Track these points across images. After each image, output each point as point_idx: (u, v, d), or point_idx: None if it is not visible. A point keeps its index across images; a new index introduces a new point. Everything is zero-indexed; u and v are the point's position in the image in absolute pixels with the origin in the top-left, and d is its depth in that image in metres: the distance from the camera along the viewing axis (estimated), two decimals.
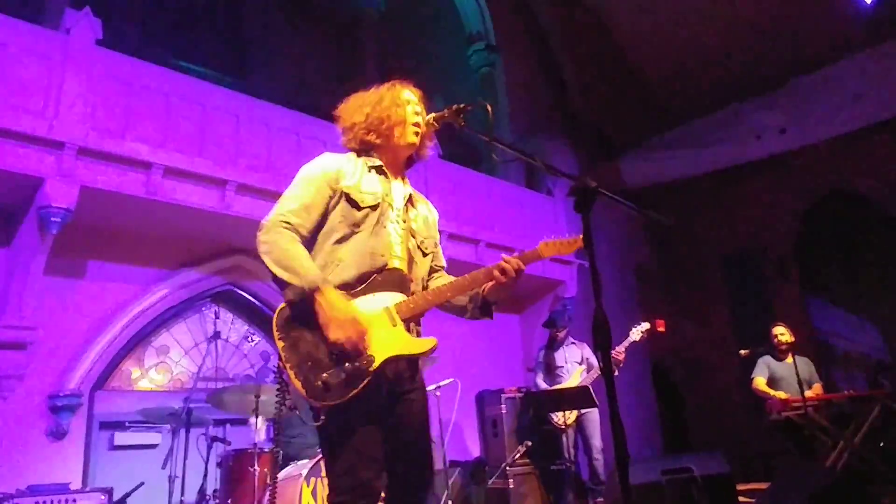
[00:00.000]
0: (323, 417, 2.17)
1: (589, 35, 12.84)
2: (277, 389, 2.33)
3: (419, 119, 2.58)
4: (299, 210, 2.36)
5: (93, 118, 5.99)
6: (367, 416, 2.23)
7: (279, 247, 2.26)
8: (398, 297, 2.37)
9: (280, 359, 2.20)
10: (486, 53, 12.17)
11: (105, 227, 6.64)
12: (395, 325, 2.31)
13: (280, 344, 2.21)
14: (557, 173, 2.31)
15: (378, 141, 2.56)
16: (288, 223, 2.32)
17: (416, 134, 2.58)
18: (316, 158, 2.54)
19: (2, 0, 6.14)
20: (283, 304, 2.27)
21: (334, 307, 2.18)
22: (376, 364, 2.21)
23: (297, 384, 2.15)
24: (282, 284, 2.23)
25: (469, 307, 2.57)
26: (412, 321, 2.40)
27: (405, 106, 2.58)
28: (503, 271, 2.41)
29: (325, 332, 2.17)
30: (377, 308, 2.32)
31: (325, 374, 2.15)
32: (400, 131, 2.55)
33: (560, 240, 2.56)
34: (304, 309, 2.21)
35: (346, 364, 2.17)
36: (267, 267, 2.26)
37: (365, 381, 2.18)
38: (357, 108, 2.61)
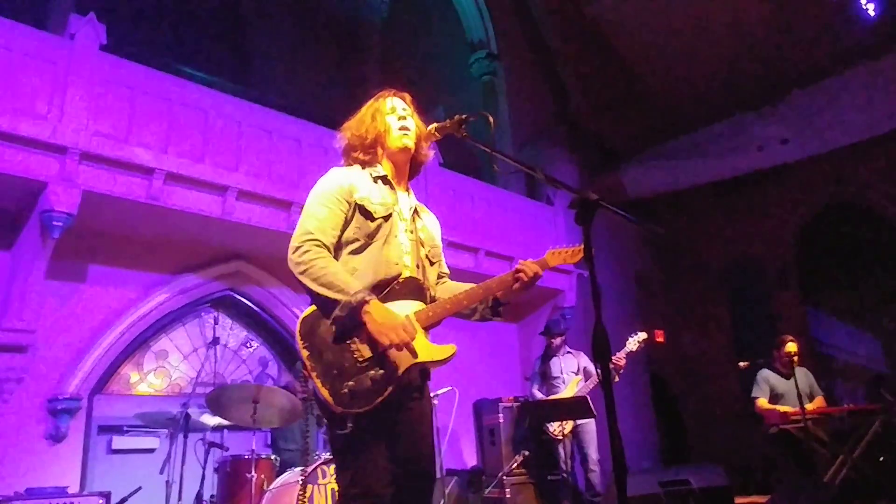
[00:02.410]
0: (350, 425, 2.19)
1: (591, 44, 12.87)
2: (303, 398, 2.34)
3: (406, 123, 2.60)
4: (325, 228, 2.38)
5: (96, 123, 6.01)
6: (381, 427, 2.26)
7: (318, 266, 2.28)
8: (417, 306, 2.41)
9: (304, 367, 2.22)
10: (487, 62, 12.21)
11: (106, 231, 6.65)
12: (414, 338, 2.33)
13: (304, 353, 2.23)
14: (559, 185, 2.33)
15: (366, 158, 2.60)
16: (319, 241, 2.34)
17: (406, 136, 2.59)
18: (326, 175, 2.55)
19: (6, 4, 6.16)
20: (305, 313, 2.31)
21: (384, 316, 2.23)
22: (401, 371, 2.25)
23: (325, 392, 2.17)
24: (326, 302, 2.25)
25: (479, 307, 2.61)
26: (429, 329, 2.43)
27: (386, 115, 2.61)
28: (521, 272, 2.50)
29: (378, 339, 2.21)
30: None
31: (351, 382, 2.18)
32: (384, 141, 2.59)
33: (566, 249, 2.62)
34: (351, 323, 2.23)
35: (371, 372, 2.21)
36: (307, 286, 2.28)
37: (391, 389, 2.22)
38: (345, 130, 2.68)
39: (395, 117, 2.61)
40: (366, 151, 2.59)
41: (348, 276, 2.31)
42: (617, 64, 12.97)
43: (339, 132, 2.70)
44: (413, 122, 2.62)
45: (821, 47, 10.87)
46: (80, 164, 5.79)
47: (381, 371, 2.22)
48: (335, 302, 2.22)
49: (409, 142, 2.59)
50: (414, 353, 2.29)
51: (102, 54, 6.27)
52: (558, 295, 10.18)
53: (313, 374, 2.20)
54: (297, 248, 2.33)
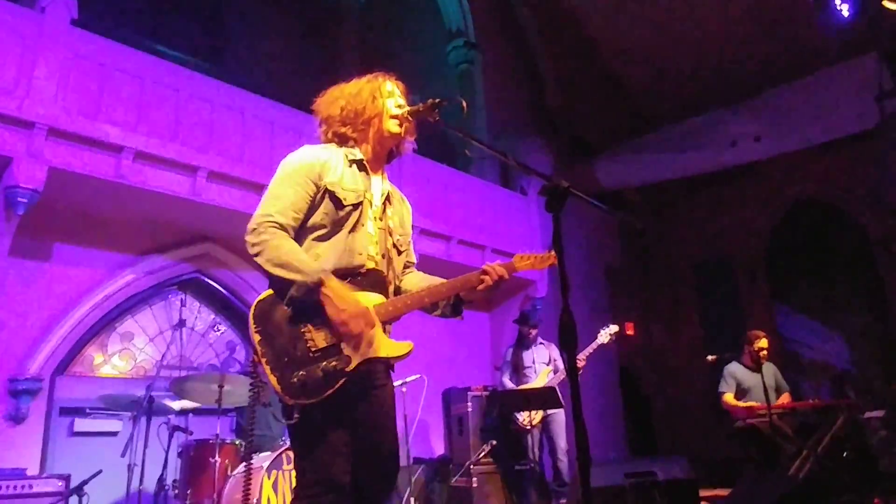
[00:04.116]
0: (297, 416, 2.14)
1: (568, 36, 12.87)
2: (251, 384, 2.28)
3: (400, 111, 2.54)
4: (286, 210, 2.31)
5: (65, 99, 5.90)
6: (339, 415, 2.22)
7: (272, 245, 2.21)
8: (377, 299, 2.37)
9: (255, 353, 2.16)
10: (465, 50, 12.14)
11: (73, 209, 6.55)
12: (373, 328, 2.30)
13: (256, 338, 2.16)
14: (529, 171, 2.30)
15: (353, 135, 2.52)
16: (277, 223, 2.27)
17: (398, 125, 2.53)
18: (297, 152, 2.47)
19: None
20: (261, 297, 2.24)
21: (343, 299, 2.18)
22: (353, 365, 2.21)
23: (273, 380, 2.11)
24: (282, 283, 2.19)
25: (441, 305, 2.57)
26: (389, 323, 2.40)
27: (385, 98, 2.55)
28: (487, 274, 2.46)
29: (337, 325, 2.17)
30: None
31: (301, 372, 2.13)
32: (377, 123, 2.52)
33: (534, 255, 2.56)
34: (306, 304, 2.19)
35: (324, 363, 2.16)
36: (263, 268, 2.22)
37: (341, 381, 2.17)
38: (333, 100, 2.58)
39: (392, 102, 2.55)
40: (356, 128, 2.52)
41: (305, 256, 2.26)
42: (594, 56, 12.98)
43: (326, 100, 2.60)
44: (404, 112, 2.56)
45: (795, 46, 10.96)
46: (46, 140, 5.69)
47: (334, 363, 2.17)
48: (291, 282, 2.17)
49: (400, 130, 2.54)
50: (369, 344, 2.26)
51: (73, 29, 6.16)
52: (530, 285, 10.19)
53: (263, 361, 2.13)
54: (254, 229, 2.26)
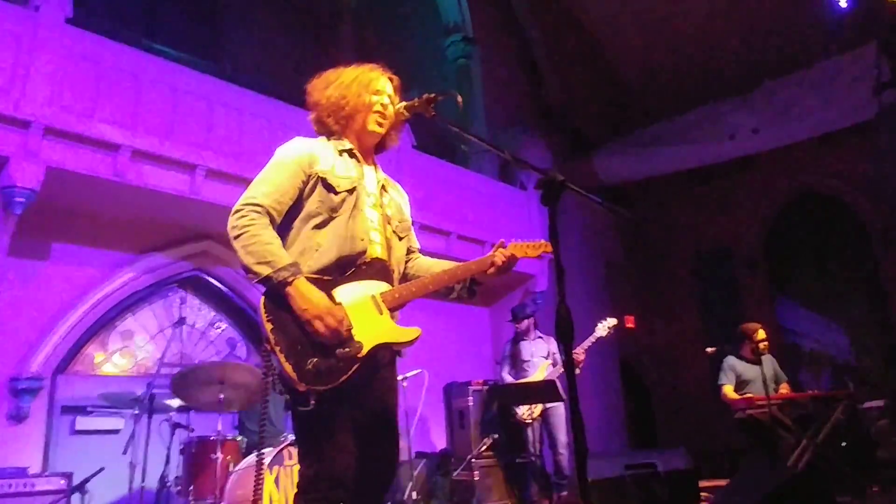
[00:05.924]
0: (313, 402, 2.14)
1: (566, 30, 12.87)
2: (264, 373, 2.28)
3: (385, 110, 2.54)
4: (272, 193, 2.31)
5: (61, 98, 5.89)
6: (349, 403, 2.24)
7: (250, 233, 2.21)
8: (383, 286, 2.38)
9: (268, 342, 2.16)
10: (463, 45, 12.11)
11: (71, 208, 6.54)
12: (381, 314, 2.32)
13: (268, 326, 2.16)
14: (525, 166, 2.32)
15: (335, 127, 2.54)
16: (261, 206, 2.27)
17: (380, 124, 2.54)
18: (289, 142, 2.49)
19: None
20: None
21: (307, 299, 2.16)
22: (365, 350, 2.22)
23: (288, 368, 2.12)
24: (251, 272, 2.20)
25: (456, 288, 2.60)
26: (396, 310, 2.41)
27: (373, 94, 2.54)
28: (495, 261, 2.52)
29: (304, 324, 2.16)
30: (364, 295, 2.32)
31: (315, 359, 2.14)
32: (362, 118, 2.53)
33: (525, 243, 2.59)
34: (277, 294, 2.20)
35: (337, 350, 2.17)
36: (237, 252, 2.22)
37: (355, 367, 2.18)
38: (325, 86, 2.58)
39: (378, 99, 2.55)
40: (337, 120, 2.53)
41: (280, 250, 2.24)
42: (592, 50, 12.98)
43: (319, 84, 2.60)
44: (392, 109, 2.57)
45: (793, 38, 10.97)
46: (43, 139, 5.69)
47: (347, 349, 2.18)
48: (257, 274, 2.18)
49: (381, 129, 2.56)
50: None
51: (68, 27, 6.15)
52: (530, 280, 10.20)
53: (277, 349, 2.14)
54: (237, 211, 2.27)
